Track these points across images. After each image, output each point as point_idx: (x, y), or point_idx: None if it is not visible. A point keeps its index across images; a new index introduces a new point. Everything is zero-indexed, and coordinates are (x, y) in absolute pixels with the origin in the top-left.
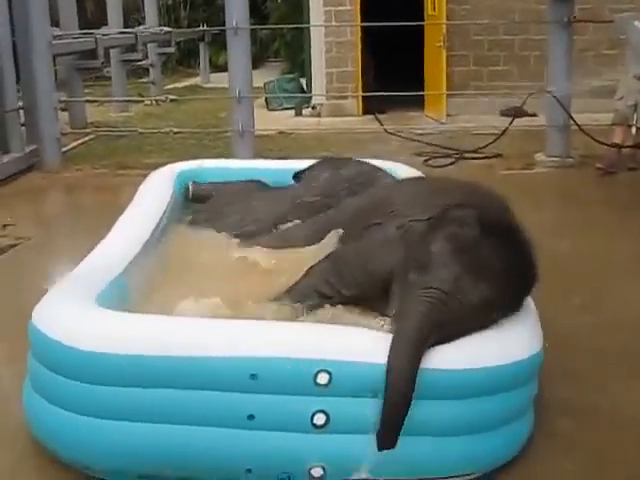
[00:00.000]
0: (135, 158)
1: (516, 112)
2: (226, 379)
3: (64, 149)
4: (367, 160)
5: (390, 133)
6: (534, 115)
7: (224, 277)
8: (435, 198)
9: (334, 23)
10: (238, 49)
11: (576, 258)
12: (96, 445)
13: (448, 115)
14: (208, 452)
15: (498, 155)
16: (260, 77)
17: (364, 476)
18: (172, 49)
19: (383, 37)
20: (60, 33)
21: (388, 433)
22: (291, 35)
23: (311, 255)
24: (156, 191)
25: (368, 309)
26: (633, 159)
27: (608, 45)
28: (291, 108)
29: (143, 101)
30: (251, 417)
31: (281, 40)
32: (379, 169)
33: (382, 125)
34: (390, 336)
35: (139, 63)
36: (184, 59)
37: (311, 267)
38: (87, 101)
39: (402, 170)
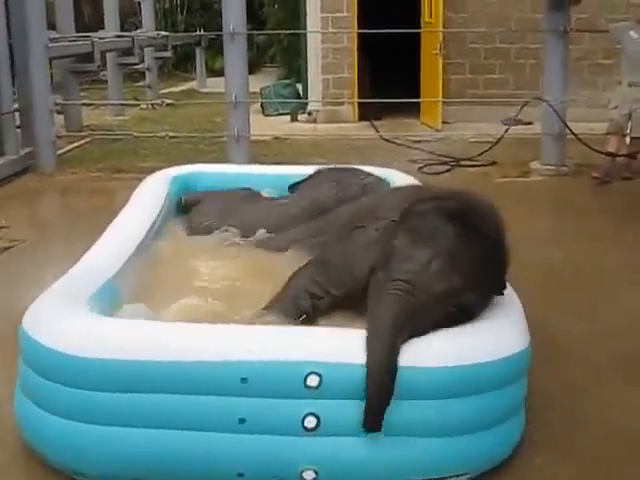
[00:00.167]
0: (130, 162)
1: (517, 121)
2: (217, 383)
3: (59, 152)
4: (363, 168)
5: (386, 140)
6: (529, 123)
7: (216, 281)
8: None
9: (331, 29)
10: (235, 54)
11: (571, 266)
12: (85, 450)
13: (444, 123)
14: (199, 456)
15: (494, 163)
16: (256, 82)
17: None
18: (169, 53)
19: (380, 44)
20: (57, 36)
21: (373, 415)
22: (288, 41)
23: (300, 259)
24: (150, 195)
25: (359, 309)
26: (627, 168)
27: (604, 54)
28: (287, 114)
29: (139, 105)
30: (242, 421)
31: (278, 46)
32: (378, 179)
33: (378, 132)
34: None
35: (135, 67)
36: (180, 63)
37: (298, 269)
38: (83, 104)
39: (397, 177)
